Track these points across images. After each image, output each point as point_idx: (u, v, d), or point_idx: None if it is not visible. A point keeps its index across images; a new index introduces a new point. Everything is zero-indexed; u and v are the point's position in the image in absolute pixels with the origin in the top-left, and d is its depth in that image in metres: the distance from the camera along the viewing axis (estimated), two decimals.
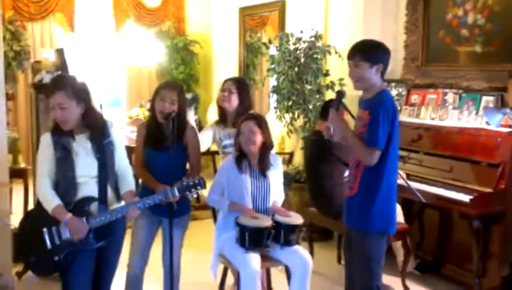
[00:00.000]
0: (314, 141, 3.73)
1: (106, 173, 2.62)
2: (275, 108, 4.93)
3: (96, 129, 2.63)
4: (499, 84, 3.83)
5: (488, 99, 3.83)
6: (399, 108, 3.98)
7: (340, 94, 2.68)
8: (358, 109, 2.69)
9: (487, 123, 3.27)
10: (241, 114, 3.36)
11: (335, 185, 3.50)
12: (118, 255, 2.80)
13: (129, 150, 3.44)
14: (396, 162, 2.68)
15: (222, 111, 3.54)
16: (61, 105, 2.51)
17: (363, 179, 2.60)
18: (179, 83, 3.36)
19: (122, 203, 2.70)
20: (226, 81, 3.59)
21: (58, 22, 6.46)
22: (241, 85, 3.53)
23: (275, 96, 4.94)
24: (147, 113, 6.33)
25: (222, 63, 6.99)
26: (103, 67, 7.00)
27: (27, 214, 2.77)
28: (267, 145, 3.13)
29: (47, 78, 3.88)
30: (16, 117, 6.45)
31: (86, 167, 2.57)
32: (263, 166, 3.12)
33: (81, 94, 2.58)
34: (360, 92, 2.69)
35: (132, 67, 7.04)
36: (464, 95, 4.01)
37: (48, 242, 2.54)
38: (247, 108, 3.48)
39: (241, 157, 3.12)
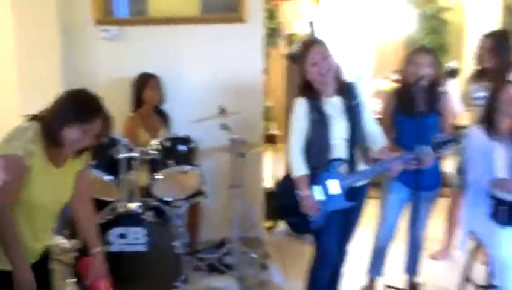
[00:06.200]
0: None
1: (356, 135, 2.64)
2: None
3: (345, 91, 2.66)
4: None
5: None
6: None
7: None
8: None
9: None
10: (499, 70, 3.24)
11: None
12: (360, 217, 2.84)
13: None
14: None
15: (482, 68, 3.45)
16: (324, 54, 2.59)
17: None
18: (430, 48, 3.27)
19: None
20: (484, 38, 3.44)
21: None
22: (498, 41, 3.36)
23: None
24: (393, 85, 6.23)
25: (476, 31, 6.36)
26: (351, 41, 7.06)
27: (284, 178, 2.90)
28: None
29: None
30: (269, 88, 6.99)
31: (338, 129, 2.61)
32: None
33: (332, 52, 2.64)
34: None
35: (382, 40, 6.95)
36: None
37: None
38: (507, 64, 3.29)
39: (490, 124, 2.83)
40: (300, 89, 2.69)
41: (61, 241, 3.13)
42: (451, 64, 3.89)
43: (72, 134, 1.93)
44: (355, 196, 2.67)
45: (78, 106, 1.95)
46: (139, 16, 3.83)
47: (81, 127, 1.92)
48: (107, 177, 3.01)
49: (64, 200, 2.14)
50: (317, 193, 2.62)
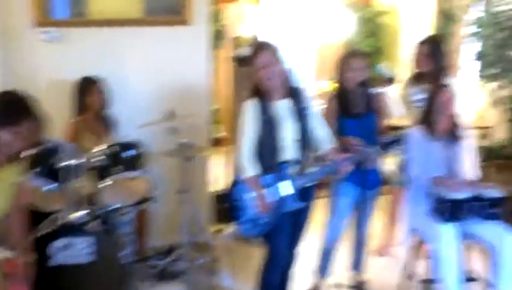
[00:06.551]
0: None
1: (305, 136, 2.70)
2: (480, 76, 4.54)
3: (294, 94, 2.71)
4: None
5: None
6: None
7: None
8: None
9: None
10: (436, 74, 3.36)
11: None
12: (309, 217, 2.89)
13: None
14: None
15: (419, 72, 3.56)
16: (270, 59, 2.62)
17: None
18: (363, 52, 3.43)
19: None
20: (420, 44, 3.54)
21: (248, 1, 6.75)
22: (433, 47, 3.47)
23: (474, 65, 4.55)
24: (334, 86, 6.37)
25: (411, 33, 6.62)
26: (293, 42, 7.14)
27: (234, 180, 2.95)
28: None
29: (246, 52, 4.11)
30: (215, 91, 6.94)
31: (288, 131, 2.66)
32: (453, 133, 2.98)
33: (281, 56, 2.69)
34: None
35: (323, 42, 7.09)
36: None
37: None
38: (442, 68, 3.42)
39: (429, 125, 3.00)
40: (251, 91, 2.71)
41: (3, 253, 2.98)
42: (388, 73, 4.07)
43: (0, 137, 1.84)
44: (304, 196, 2.72)
45: (3, 108, 1.86)
46: (80, 18, 3.71)
47: (9, 129, 1.84)
48: (51, 186, 2.89)
49: None
50: (269, 194, 2.65)
